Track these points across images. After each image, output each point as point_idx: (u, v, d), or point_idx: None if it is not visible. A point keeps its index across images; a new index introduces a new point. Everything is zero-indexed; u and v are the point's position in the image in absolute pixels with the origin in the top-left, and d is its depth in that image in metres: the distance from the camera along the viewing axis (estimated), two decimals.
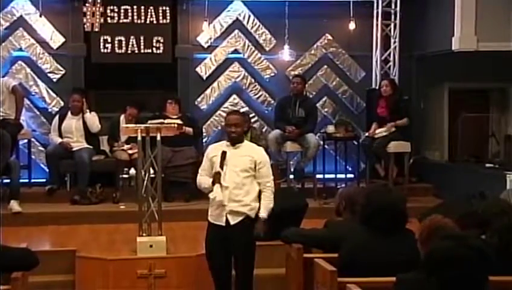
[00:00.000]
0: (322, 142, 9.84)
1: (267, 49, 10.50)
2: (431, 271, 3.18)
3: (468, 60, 9.92)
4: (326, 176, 9.87)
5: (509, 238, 4.22)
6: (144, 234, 6.67)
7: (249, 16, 10.43)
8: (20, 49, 10.05)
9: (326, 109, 10.63)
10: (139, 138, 6.71)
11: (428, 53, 10.39)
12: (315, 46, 10.61)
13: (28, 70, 10.05)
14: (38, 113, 10.09)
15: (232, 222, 5.75)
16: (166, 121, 7.47)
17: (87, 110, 9.28)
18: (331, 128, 9.85)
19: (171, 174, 8.93)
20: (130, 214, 7.58)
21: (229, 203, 5.73)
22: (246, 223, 5.78)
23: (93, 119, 9.27)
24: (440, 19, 9.99)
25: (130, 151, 8.99)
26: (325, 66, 10.66)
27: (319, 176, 9.66)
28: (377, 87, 10.27)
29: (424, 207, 6.38)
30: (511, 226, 4.32)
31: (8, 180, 8.71)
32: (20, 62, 10.05)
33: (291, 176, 9.58)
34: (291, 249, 5.20)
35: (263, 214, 5.80)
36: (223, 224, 5.76)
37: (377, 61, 10.58)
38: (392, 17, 10.53)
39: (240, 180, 5.75)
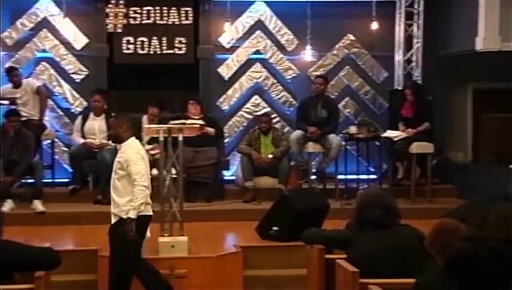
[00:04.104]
0: (344, 143, 9.80)
1: (289, 49, 10.48)
2: (453, 274, 3.15)
3: (492, 60, 9.82)
4: (348, 176, 9.82)
5: None
6: (166, 234, 6.69)
7: (271, 17, 10.42)
8: (44, 50, 10.12)
9: (348, 110, 10.58)
10: (161, 139, 6.74)
11: (452, 53, 10.31)
12: (337, 46, 10.57)
13: (52, 71, 10.13)
14: (61, 113, 10.16)
15: (112, 222, 5.89)
16: (188, 121, 7.48)
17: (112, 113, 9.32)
18: (353, 129, 9.81)
19: (192, 175, 8.95)
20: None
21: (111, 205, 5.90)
22: (118, 223, 5.82)
23: None
24: (464, 19, 9.92)
25: (152, 152, 8.97)
26: (347, 67, 10.62)
27: (340, 176, 9.62)
28: (400, 88, 10.22)
29: (446, 209, 6.34)
30: None
31: (31, 180, 8.78)
32: (44, 63, 10.12)
33: (313, 177, 9.56)
34: (312, 250, 5.19)
35: (129, 213, 5.74)
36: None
37: (399, 62, 10.52)
38: (415, 17, 10.47)
39: (113, 182, 5.89)
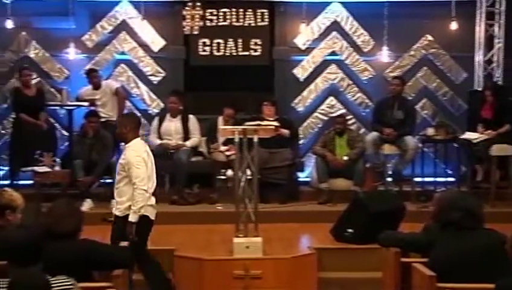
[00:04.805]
0: (421, 145, 9.64)
1: (365, 50, 10.38)
2: None
3: None
4: (425, 179, 9.65)
5: None
6: (241, 235, 6.70)
7: (347, 17, 10.34)
8: (123, 52, 10.32)
9: (425, 111, 10.41)
10: (237, 140, 6.76)
11: None
12: (415, 47, 10.40)
13: (130, 72, 10.31)
14: (139, 114, 10.30)
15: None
16: (263, 123, 7.49)
17: (190, 115, 9.43)
18: (430, 131, 9.63)
19: (267, 176, 8.94)
20: (226, 215, 7.63)
21: None
22: (118, 223, 5.82)
23: (195, 125, 9.43)
24: None
25: (227, 153, 9.05)
26: (425, 68, 10.45)
27: (417, 179, 9.46)
28: (480, 89, 10.00)
29: None
30: None
31: (110, 180, 8.94)
32: (122, 65, 10.32)
33: (389, 179, 9.44)
34: (388, 253, 5.12)
35: (130, 217, 5.74)
36: None
37: (479, 63, 10.30)
38: (497, 17, 10.23)
39: (116, 183, 5.93)
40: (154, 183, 6.07)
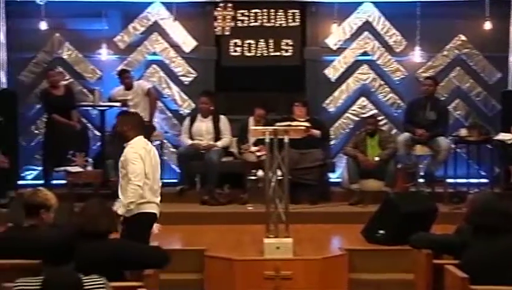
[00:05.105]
0: (453, 146, 9.55)
1: (397, 50, 10.32)
2: None
3: None
4: (458, 180, 9.57)
5: None
6: (271, 236, 6.69)
7: (379, 17, 10.29)
8: (154, 53, 10.38)
9: (458, 112, 10.31)
10: (267, 140, 6.76)
11: None
12: (447, 47, 10.31)
13: (161, 73, 10.36)
14: (170, 115, 10.38)
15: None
16: (294, 123, 7.48)
17: (221, 115, 9.45)
18: (463, 132, 9.55)
19: (298, 176, 8.92)
20: (257, 215, 7.62)
21: None
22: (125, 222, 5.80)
23: (226, 125, 9.45)
24: None
25: (257, 153, 9.05)
26: (458, 68, 10.35)
27: (449, 180, 9.39)
28: None
29: None
30: None
31: None
32: (154, 66, 10.38)
33: (421, 180, 9.37)
34: (420, 255, 5.08)
35: (118, 210, 5.73)
36: None
37: None
38: None
39: (120, 181, 5.93)
40: (159, 183, 6.09)
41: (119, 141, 6.19)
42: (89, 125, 10.12)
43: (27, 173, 10.16)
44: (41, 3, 9.72)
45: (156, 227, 6.01)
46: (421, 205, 7.35)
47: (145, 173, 5.80)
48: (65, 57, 10.29)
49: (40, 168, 9.91)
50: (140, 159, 5.81)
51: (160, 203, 6.02)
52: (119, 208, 5.75)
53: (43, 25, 9.82)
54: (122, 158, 5.93)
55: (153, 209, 5.93)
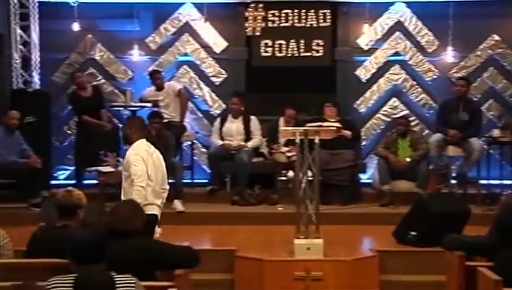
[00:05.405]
0: (486, 147, 9.45)
1: (430, 51, 10.24)
2: None
3: None
4: (491, 181, 9.46)
5: None
6: (301, 236, 6.68)
7: (411, 17, 10.22)
8: (185, 54, 10.42)
9: (491, 112, 10.20)
10: (298, 141, 6.74)
11: None
12: (481, 47, 10.21)
13: (192, 74, 10.40)
14: (200, 115, 10.41)
15: None
16: (324, 124, 7.46)
17: (251, 116, 9.46)
18: (496, 132, 9.44)
19: (328, 177, 8.89)
20: (287, 216, 7.61)
21: None
22: None
23: (256, 126, 9.46)
24: None
25: (288, 154, 9.04)
26: (491, 68, 10.24)
27: (482, 181, 9.29)
28: None
29: None
30: None
31: (172, 181, 9.01)
32: (185, 66, 10.42)
33: (453, 181, 9.29)
34: (452, 256, 5.03)
35: None
36: None
37: None
38: None
39: (122, 182, 6.02)
40: (166, 185, 6.16)
41: (125, 142, 6.29)
42: (120, 125, 10.18)
43: (59, 173, 10.26)
44: (74, 4, 9.81)
45: (157, 231, 6.06)
46: (454, 207, 7.28)
47: (147, 174, 5.88)
48: (97, 58, 10.38)
49: (72, 168, 10.00)
50: (142, 160, 5.90)
51: (161, 205, 6.10)
52: None
53: (76, 26, 9.92)
54: (124, 161, 6.06)
55: (154, 210, 5.97)
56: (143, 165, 5.88)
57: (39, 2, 10.13)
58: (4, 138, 8.83)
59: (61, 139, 10.34)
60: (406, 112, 10.13)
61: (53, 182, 9.73)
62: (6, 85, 10.04)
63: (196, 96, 10.39)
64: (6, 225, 5.56)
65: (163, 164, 6.17)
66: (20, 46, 10.12)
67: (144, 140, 6.06)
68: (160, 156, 6.16)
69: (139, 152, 5.94)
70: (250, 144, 9.38)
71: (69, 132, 10.32)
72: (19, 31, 10.08)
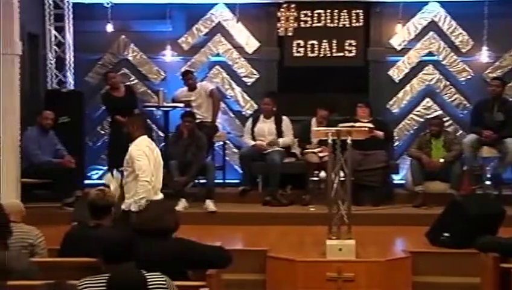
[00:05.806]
0: None
1: (464, 51, 10.14)
2: None
3: None
4: None
5: None
6: (334, 237, 6.65)
7: (445, 17, 10.13)
8: (218, 54, 10.44)
9: None
10: (330, 141, 6.72)
11: None
12: None
13: (224, 74, 10.42)
14: (232, 116, 10.42)
15: None
16: (357, 124, 7.42)
17: (283, 116, 9.46)
18: None
19: (361, 178, 8.83)
20: (319, 217, 7.59)
21: None
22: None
23: (288, 126, 9.45)
24: None
25: (320, 154, 9.01)
26: None
27: None
28: None
29: None
30: None
31: (204, 181, 9.06)
32: (217, 67, 10.44)
33: (488, 182, 9.18)
34: (486, 258, 4.98)
35: (131, 207, 5.90)
36: None
37: None
38: None
39: (124, 178, 6.11)
40: (160, 181, 6.27)
41: (128, 140, 6.36)
42: (153, 126, 10.23)
43: (93, 172, 10.35)
44: (108, 5, 9.89)
45: None
46: (488, 208, 7.20)
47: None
48: (130, 58, 10.46)
49: (105, 167, 10.07)
50: (144, 155, 6.06)
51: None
52: (131, 205, 5.92)
53: (109, 27, 10.00)
54: (127, 156, 6.15)
55: None
56: (146, 160, 6.04)
57: (73, 3, 10.25)
58: (38, 138, 8.92)
59: (95, 139, 10.44)
60: (440, 112, 10.04)
61: (86, 181, 9.81)
62: (40, 85, 10.16)
63: (228, 97, 10.41)
64: (40, 224, 5.64)
65: (162, 163, 6.34)
66: (55, 47, 10.26)
67: (145, 136, 6.24)
68: (160, 154, 6.33)
69: (141, 148, 6.10)
70: (281, 140, 9.38)
71: (102, 132, 10.40)
72: (53, 31, 10.21)
